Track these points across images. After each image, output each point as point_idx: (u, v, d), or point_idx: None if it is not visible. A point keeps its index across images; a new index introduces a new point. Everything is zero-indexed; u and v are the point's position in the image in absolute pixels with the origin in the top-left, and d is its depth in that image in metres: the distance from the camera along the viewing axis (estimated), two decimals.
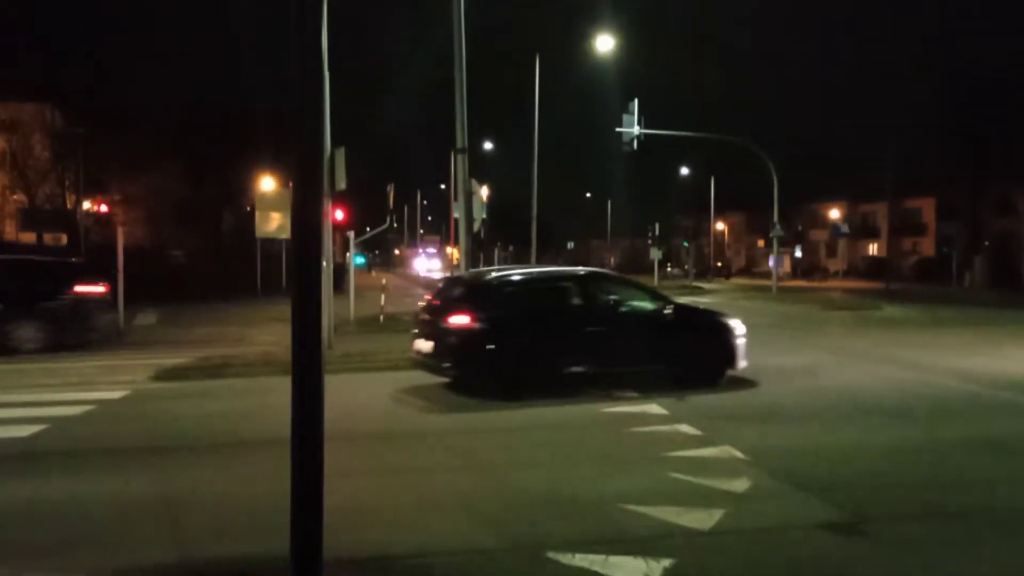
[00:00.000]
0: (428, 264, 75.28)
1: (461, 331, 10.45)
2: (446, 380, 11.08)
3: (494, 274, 12.06)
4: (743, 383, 11.76)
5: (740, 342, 11.58)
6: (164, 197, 40.80)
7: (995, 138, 54.95)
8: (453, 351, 10.49)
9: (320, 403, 3.39)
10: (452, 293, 11.63)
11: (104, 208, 38.59)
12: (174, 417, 9.74)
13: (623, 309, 11.64)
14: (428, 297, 12.65)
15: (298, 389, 3.36)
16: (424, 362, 11.17)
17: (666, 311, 11.59)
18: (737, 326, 11.67)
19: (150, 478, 7.03)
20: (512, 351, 10.40)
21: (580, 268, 14.51)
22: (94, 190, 37.98)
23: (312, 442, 3.38)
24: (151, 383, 12.12)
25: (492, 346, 10.40)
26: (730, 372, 11.53)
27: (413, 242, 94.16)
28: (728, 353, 11.47)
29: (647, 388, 10.83)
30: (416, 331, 11.61)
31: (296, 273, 3.32)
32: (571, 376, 10.89)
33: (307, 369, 3.36)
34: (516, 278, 11.97)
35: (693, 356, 11.26)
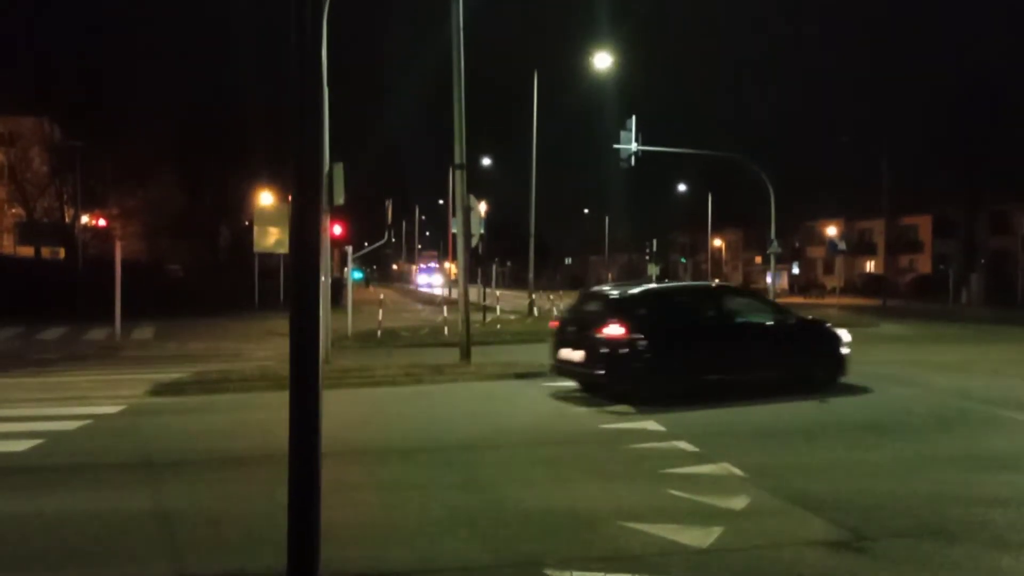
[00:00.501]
0: (429, 279, 76.43)
1: (615, 341, 11.18)
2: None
3: (641, 288, 12.95)
4: (739, 400, 11.75)
5: (847, 351, 12.52)
6: (162, 211, 40.85)
7: (991, 156, 55.20)
8: (606, 359, 11.19)
9: (317, 418, 3.38)
10: (600, 306, 12.37)
11: (102, 222, 38.59)
12: (170, 432, 9.71)
13: (749, 320, 12.51)
14: (560, 312, 13.99)
15: (295, 404, 3.36)
16: (571, 369, 11.95)
17: (787, 322, 12.59)
18: (844, 335, 12.59)
19: (146, 493, 7.00)
20: (661, 360, 11.19)
21: (712, 282, 16.30)
22: (92, 204, 38.00)
23: (309, 457, 3.37)
24: (148, 398, 12.08)
25: (643, 355, 11.15)
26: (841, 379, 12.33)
27: (414, 257, 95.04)
28: (841, 361, 12.48)
29: (767, 395, 11.44)
30: (558, 341, 12.31)
31: (295, 288, 3.33)
32: (706, 383, 11.61)
33: (305, 384, 3.36)
34: (661, 292, 13.46)
35: (811, 363, 12.26)
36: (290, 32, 3.28)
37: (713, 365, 11.71)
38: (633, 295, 12.41)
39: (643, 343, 11.15)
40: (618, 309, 11.76)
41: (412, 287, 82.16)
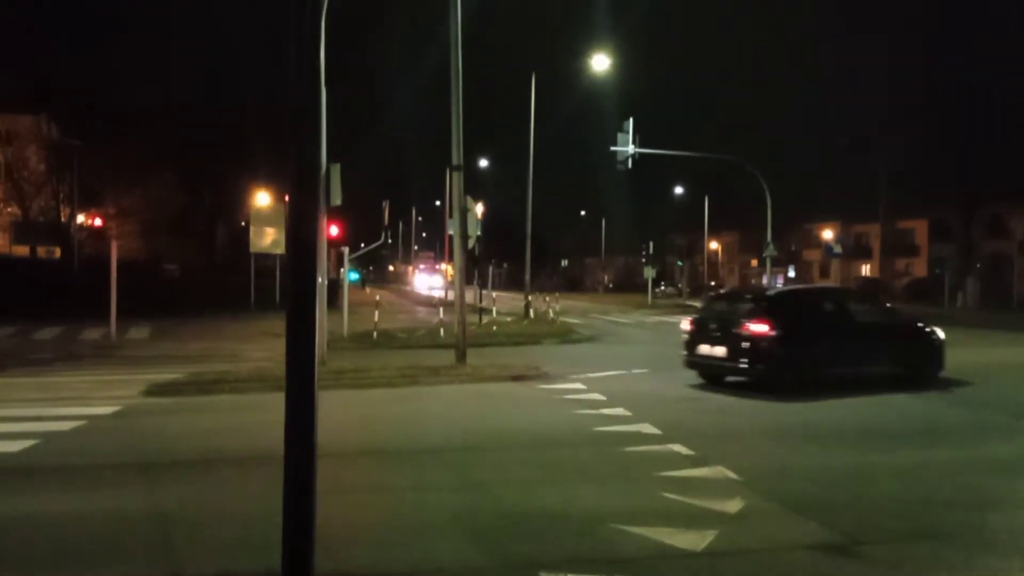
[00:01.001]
0: (430, 281, 76.04)
1: (759, 337, 12.40)
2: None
3: (779, 289, 15.53)
4: (733, 403, 11.77)
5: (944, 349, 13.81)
6: (158, 210, 40.78)
7: (987, 160, 55.36)
8: (749, 353, 12.44)
9: (313, 420, 3.38)
10: (742, 306, 13.66)
11: (99, 222, 38.52)
12: (166, 433, 9.70)
13: (866, 319, 13.80)
14: (695, 313, 15.76)
15: (291, 406, 3.35)
16: (711, 363, 13.24)
17: (897, 321, 14.08)
18: (941, 334, 13.83)
19: (141, 494, 6.99)
20: (799, 355, 12.39)
21: (836, 284, 19.15)
22: (88, 203, 37.95)
23: (305, 459, 3.37)
24: (143, 399, 12.07)
25: (784, 350, 12.34)
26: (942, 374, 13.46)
27: (410, 258, 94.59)
28: (942, 356, 13.70)
29: (877, 389, 12.26)
30: (695, 339, 13.52)
31: (291, 289, 3.33)
32: (832, 376, 12.59)
33: (301, 386, 3.36)
34: (797, 293, 15.93)
35: (918, 360, 13.49)
36: (289, 32, 3.28)
37: (838, 359, 12.85)
38: (774, 296, 14.33)
39: (784, 339, 12.32)
40: (762, 309, 13.05)
41: (408, 288, 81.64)
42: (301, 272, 3.36)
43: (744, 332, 12.55)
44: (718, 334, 13.13)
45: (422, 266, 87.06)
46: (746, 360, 12.50)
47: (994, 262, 56.46)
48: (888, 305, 15.34)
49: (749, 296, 14.46)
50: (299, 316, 3.33)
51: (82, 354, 18.61)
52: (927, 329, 14.01)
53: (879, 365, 13.29)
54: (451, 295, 29.69)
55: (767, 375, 12.43)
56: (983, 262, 57.10)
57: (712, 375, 13.47)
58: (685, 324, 14.17)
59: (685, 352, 13.70)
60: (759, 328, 12.44)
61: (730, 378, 13.15)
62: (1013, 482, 7.56)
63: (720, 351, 12.96)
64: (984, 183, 55.00)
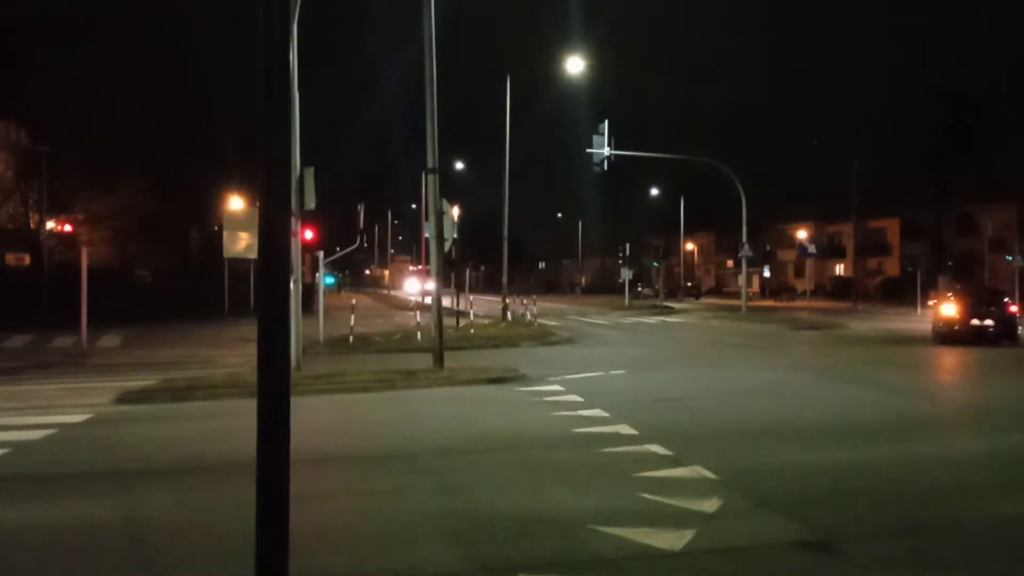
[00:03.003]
0: (422, 286, 74.34)
1: (1014, 316, 21.87)
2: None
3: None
4: (709, 403, 11.82)
5: None
6: (130, 216, 40.24)
7: (957, 159, 56.16)
8: (1007, 326, 21.45)
9: (286, 426, 3.33)
10: (991, 293, 24.27)
11: (68, 228, 37.99)
12: (138, 441, 9.56)
13: None
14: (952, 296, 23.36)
15: (264, 412, 3.30)
16: (976, 332, 21.01)
17: None
18: None
19: (113, 502, 6.89)
20: None
21: None
22: (58, 209, 37.41)
23: (278, 466, 3.32)
24: (115, 406, 11.90)
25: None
26: None
27: (393, 261, 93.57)
28: None
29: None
30: (964, 313, 21.42)
31: (263, 294, 3.28)
32: None
33: (273, 391, 3.31)
34: None
35: None
36: (257, 32, 3.24)
37: None
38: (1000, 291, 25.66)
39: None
40: (1006, 294, 23.93)
41: (396, 292, 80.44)
42: (273, 277, 3.31)
43: (1006, 311, 21.81)
44: (987, 311, 21.51)
45: (411, 268, 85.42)
46: (1002, 332, 21.26)
47: (965, 260, 57.27)
48: None
49: (995, 288, 24.89)
50: (271, 321, 3.28)
51: (53, 362, 18.34)
52: None
53: None
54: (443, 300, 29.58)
55: (1014, 341, 21.15)
56: (954, 260, 57.90)
57: None
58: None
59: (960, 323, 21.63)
60: (1014, 308, 22.33)
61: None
62: (985, 476, 7.64)
63: (989, 322, 21.22)
64: (955, 182, 55.80)
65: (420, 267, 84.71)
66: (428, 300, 21.34)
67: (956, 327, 21.04)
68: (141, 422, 10.70)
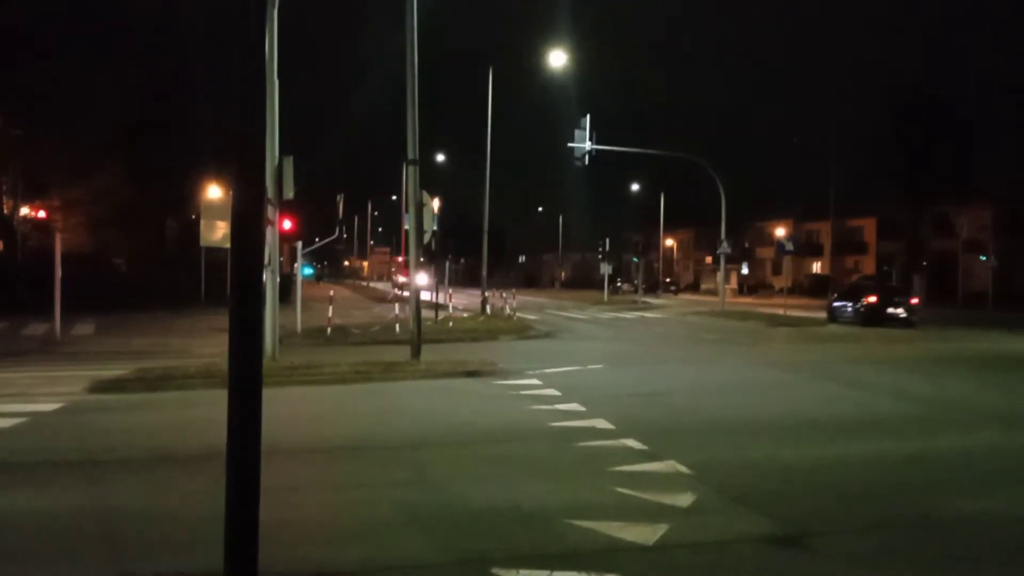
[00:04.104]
0: (418, 279, 73.84)
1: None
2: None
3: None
4: (686, 398, 11.88)
5: None
6: (106, 202, 39.77)
7: (934, 159, 56.71)
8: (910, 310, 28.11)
9: (257, 417, 3.31)
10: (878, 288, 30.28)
11: (43, 214, 37.50)
12: (110, 430, 9.47)
13: None
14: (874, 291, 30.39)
15: (235, 401, 3.28)
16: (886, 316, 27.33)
17: None
18: None
19: (85, 492, 6.81)
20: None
21: None
22: (33, 195, 36.91)
23: (248, 456, 3.30)
24: (87, 395, 11.77)
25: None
26: None
27: (366, 253, 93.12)
28: None
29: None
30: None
31: (235, 283, 3.25)
32: None
33: (245, 380, 3.28)
34: None
35: None
36: (233, 18, 3.20)
37: None
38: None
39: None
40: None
41: (392, 287, 79.78)
42: (245, 266, 3.28)
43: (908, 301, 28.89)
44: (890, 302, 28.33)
45: (402, 259, 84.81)
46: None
47: (940, 259, 57.92)
48: None
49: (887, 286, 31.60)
50: (243, 311, 3.26)
51: (25, 350, 18.13)
52: None
53: None
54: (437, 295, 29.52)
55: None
56: (929, 259, 58.53)
57: None
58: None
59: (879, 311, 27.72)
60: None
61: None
62: (957, 472, 7.73)
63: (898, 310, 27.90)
64: (931, 182, 56.37)
65: (401, 259, 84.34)
66: (425, 295, 21.51)
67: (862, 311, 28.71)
68: (114, 411, 10.59)
